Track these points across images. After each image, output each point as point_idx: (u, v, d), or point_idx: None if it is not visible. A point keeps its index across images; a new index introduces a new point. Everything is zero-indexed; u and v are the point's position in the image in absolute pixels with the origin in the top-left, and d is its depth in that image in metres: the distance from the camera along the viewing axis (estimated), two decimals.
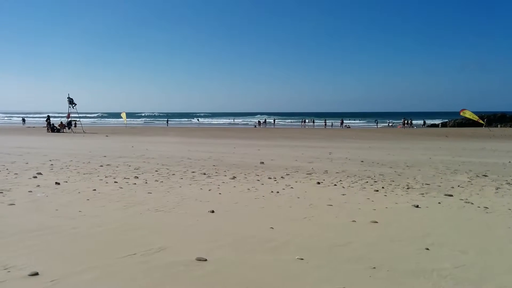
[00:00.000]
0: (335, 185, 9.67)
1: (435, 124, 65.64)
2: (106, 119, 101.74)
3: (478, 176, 11.20)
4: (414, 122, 66.28)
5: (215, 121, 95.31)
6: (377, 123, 70.15)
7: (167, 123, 75.01)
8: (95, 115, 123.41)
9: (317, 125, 69.02)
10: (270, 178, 10.60)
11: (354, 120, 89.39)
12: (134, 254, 4.60)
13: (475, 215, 6.84)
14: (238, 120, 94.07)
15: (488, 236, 5.60)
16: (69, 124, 41.05)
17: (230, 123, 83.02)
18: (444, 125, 61.80)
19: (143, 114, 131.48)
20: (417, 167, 13.13)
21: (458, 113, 48.92)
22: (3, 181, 9.41)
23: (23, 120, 75.16)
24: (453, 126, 58.43)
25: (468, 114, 46.28)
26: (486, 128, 46.72)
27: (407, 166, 13.38)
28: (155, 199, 7.75)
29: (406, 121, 62.13)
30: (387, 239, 5.34)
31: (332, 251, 4.86)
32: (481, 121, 47.35)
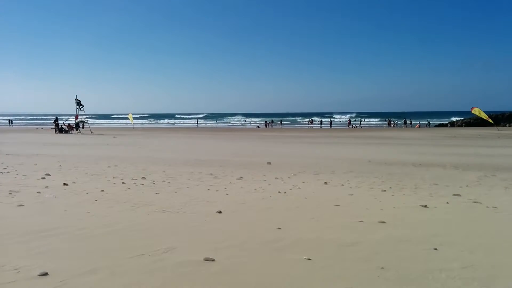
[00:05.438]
0: (343, 185, 9.64)
1: (443, 123, 65.10)
2: (97, 120, 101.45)
3: (486, 175, 11.10)
4: (416, 122, 68.56)
5: (223, 121, 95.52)
6: (360, 123, 75.10)
7: (197, 123, 75.96)
8: (85, 117, 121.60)
9: (324, 126, 69.25)
10: (277, 178, 10.59)
11: (362, 120, 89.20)
12: (142, 254, 4.63)
13: (484, 215, 6.79)
14: (248, 120, 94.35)
15: (496, 236, 5.54)
16: (77, 125, 41.66)
17: (237, 124, 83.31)
18: (452, 124, 61.33)
19: (146, 115, 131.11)
20: (425, 166, 13.05)
21: (464, 113, 49.06)
22: (12, 182, 9.51)
23: (10, 121, 77.07)
24: (461, 125, 57.93)
25: (478, 112, 46.16)
26: (495, 127, 46.34)
27: (415, 166, 13.30)
28: (162, 199, 7.79)
29: (407, 121, 65.27)
30: (395, 239, 5.32)
31: (339, 251, 4.85)
32: (490, 120, 47.06)
